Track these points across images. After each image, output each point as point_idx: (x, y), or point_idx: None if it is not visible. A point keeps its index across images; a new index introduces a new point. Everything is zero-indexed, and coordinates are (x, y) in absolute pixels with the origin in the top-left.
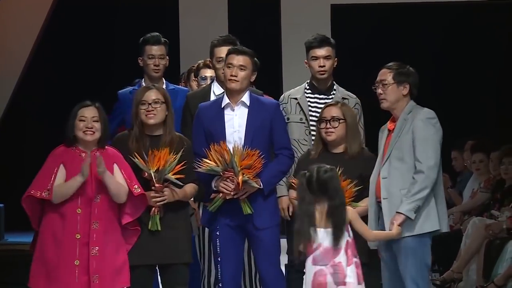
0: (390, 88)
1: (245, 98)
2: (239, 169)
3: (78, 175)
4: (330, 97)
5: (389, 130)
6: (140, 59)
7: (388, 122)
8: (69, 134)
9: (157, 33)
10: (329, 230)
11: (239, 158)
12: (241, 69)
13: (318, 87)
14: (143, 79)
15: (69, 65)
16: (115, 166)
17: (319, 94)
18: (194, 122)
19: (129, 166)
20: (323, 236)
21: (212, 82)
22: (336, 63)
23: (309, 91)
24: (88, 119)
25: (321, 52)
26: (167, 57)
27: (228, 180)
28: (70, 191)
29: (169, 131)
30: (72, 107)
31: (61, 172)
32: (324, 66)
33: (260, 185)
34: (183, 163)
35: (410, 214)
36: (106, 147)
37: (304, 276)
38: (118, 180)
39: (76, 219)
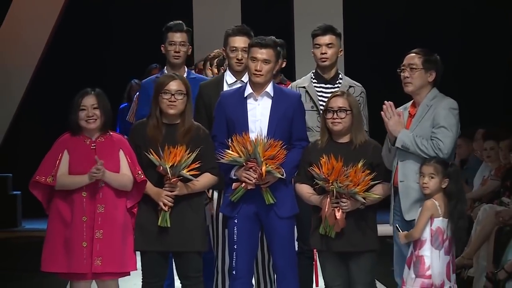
0: (418, 73)
1: (269, 89)
2: (262, 159)
3: (85, 176)
4: (336, 86)
5: (410, 115)
6: (163, 46)
7: (409, 106)
8: (72, 124)
9: (180, 21)
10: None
11: (262, 148)
12: (266, 63)
13: (323, 75)
14: (165, 67)
15: (84, 56)
16: (121, 152)
17: (325, 84)
18: (216, 109)
19: (133, 152)
20: (446, 225)
21: (224, 71)
22: (341, 53)
23: (315, 80)
24: (89, 108)
25: (323, 39)
26: (189, 45)
27: (250, 170)
28: (72, 186)
29: (187, 121)
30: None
31: (65, 158)
32: (326, 53)
33: (283, 175)
34: (199, 149)
35: (404, 135)
36: (112, 133)
37: (410, 250)
38: (123, 166)
39: (82, 202)
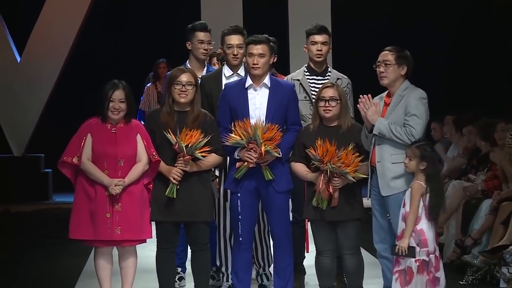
0: (391, 68)
1: (267, 80)
2: (261, 141)
3: (105, 180)
4: (326, 78)
5: (385, 103)
6: (189, 43)
7: (385, 96)
8: (100, 111)
9: (204, 22)
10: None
11: (261, 132)
12: (261, 56)
13: (315, 69)
14: (187, 61)
15: (104, 51)
16: (138, 136)
17: (317, 76)
18: (220, 98)
19: (148, 136)
20: None
21: (223, 65)
22: (330, 49)
23: (308, 73)
24: (116, 101)
25: (319, 38)
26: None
27: (251, 150)
28: (92, 177)
29: (196, 108)
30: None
31: (89, 141)
32: (321, 50)
33: (280, 154)
34: (209, 137)
35: (380, 123)
36: (132, 119)
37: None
38: (139, 149)
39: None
